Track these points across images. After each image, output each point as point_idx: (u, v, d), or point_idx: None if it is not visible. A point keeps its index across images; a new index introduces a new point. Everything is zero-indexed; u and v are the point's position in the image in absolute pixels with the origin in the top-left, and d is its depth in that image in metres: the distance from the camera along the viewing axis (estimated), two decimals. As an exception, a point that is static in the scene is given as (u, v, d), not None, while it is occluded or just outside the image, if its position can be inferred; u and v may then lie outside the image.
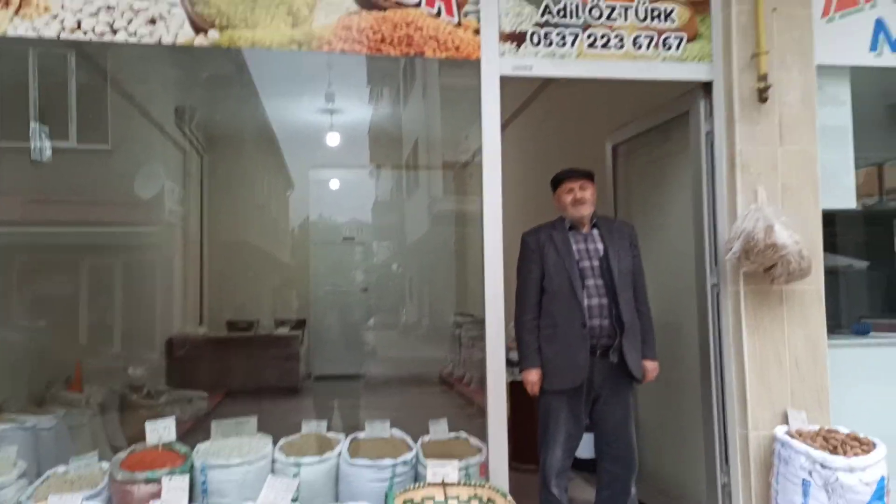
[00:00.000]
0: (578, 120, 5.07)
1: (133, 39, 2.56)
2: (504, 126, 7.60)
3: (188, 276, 8.54)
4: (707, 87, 3.18)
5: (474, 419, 6.32)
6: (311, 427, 3.11)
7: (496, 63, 2.96)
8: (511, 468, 4.61)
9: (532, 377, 2.92)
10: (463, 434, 3.21)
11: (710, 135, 3.19)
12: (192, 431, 5.58)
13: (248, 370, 7.66)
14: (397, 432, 3.12)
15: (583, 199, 2.94)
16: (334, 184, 10.44)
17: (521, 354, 2.98)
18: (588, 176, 3.01)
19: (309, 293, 9.84)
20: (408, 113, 11.91)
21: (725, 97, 3.11)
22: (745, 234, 2.86)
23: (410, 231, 12.06)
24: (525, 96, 6.41)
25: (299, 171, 10.58)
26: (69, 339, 6.50)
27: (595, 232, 2.99)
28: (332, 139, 8.22)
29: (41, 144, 3.96)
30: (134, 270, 7.65)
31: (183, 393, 6.12)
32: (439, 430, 3.16)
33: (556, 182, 3.05)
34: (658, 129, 3.62)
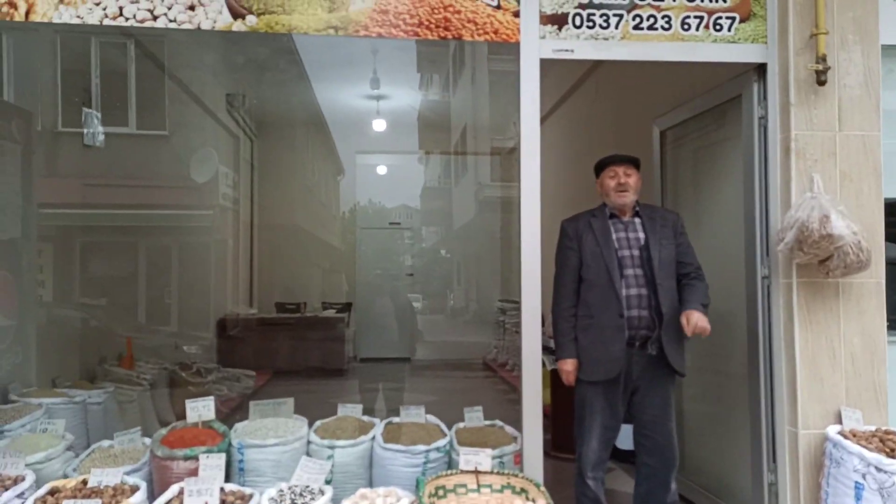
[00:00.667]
0: (626, 104, 4.92)
1: (173, 25, 2.59)
2: (551, 111, 7.50)
3: (239, 258, 8.75)
4: (761, 69, 3.02)
5: (515, 405, 6.29)
6: (347, 410, 3.13)
7: (536, 46, 2.88)
8: (551, 457, 4.60)
9: (567, 367, 2.87)
10: (499, 422, 3.18)
11: (763, 119, 3.04)
12: (240, 409, 5.73)
13: (294, 351, 7.82)
14: (432, 418, 3.11)
15: (626, 186, 2.85)
16: (381, 169, 10.49)
17: (556, 343, 2.93)
18: (633, 162, 2.92)
19: (356, 277, 9.97)
20: (457, 99, 11.86)
21: (780, 80, 2.95)
22: (798, 224, 2.71)
23: (457, 217, 12.04)
24: (573, 80, 6.27)
25: (349, 156, 10.66)
26: (125, 317, 6.76)
27: (637, 220, 2.90)
28: (379, 125, 8.22)
29: (94, 129, 4.07)
30: (187, 252, 7.89)
31: (232, 371, 6.29)
32: (474, 417, 3.14)
33: (601, 166, 2.97)
34: (708, 114, 3.47)
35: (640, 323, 2.77)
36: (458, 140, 11.32)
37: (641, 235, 2.86)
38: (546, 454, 4.64)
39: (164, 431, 2.84)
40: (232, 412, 5.46)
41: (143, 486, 2.50)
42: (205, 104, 7.72)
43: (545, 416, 4.96)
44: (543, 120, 7.62)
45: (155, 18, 2.59)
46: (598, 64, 5.62)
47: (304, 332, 7.97)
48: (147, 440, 2.92)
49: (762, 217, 3.04)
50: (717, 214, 3.45)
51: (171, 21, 2.60)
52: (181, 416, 4.69)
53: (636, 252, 2.82)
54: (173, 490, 2.45)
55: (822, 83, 2.83)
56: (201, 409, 2.88)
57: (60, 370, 4.24)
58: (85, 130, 4.33)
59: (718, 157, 3.42)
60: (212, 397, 2.92)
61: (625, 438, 3.38)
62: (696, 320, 2.66)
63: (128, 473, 2.59)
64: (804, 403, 2.83)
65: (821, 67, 2.81)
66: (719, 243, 3.38)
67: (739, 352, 3.20)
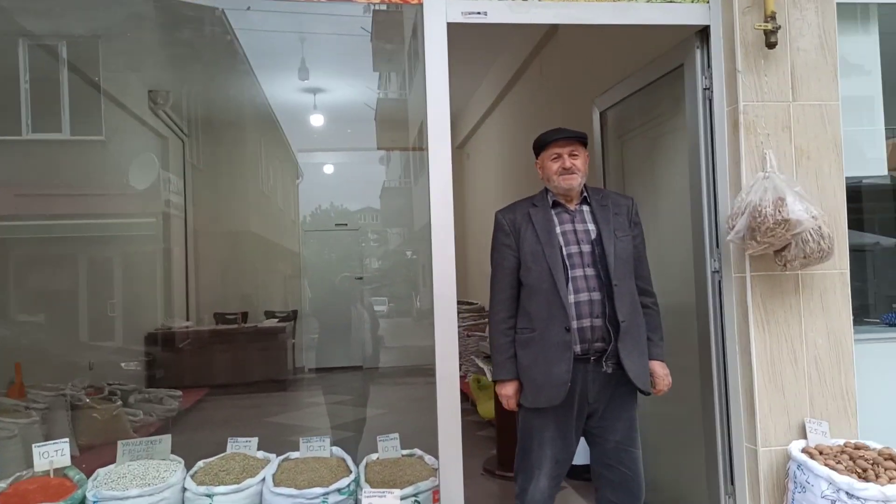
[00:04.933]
0: (569, 87, 4.53)
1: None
2: (494, 105, 7.05)
3: (172, 267, 8.18)
4: (703, 33, 2.64)
5: (466, 415, 5.89)
6: (238, 445, 2.66)
7: (442, 8, 2.44)
8: (496, 476, 4.18)
9: (506, 391, 2.39)
10: (418, 452, 2.74)
11: (707, 91, 2.65)
12: (162, 432, 5.19)
13: (233, 364, 7.33)
14: (338, 451, 2.66)
15: (572, 168, 2.35)
16: (328, 168, 10.02)
17: (493, 362, 2.45)
18: (580, 139, 2.42)
19: (305, 283, 9.53)
20: (414, 95, 11.42)
21: (725, 44, 2.57)
22: (750, 209, 2.33)
23: (418, 217, 11.60)
24: (516, 68, 5.87)
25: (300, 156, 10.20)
26: (63, 334, 6.31)
27: (585, 209, 2.41)
28: (316, 120, 7.75)
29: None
30: (124, 263, 7.43)
31: (154, 392, 5.74)
32: (389, 447, 2.69)
33: (541, 145, 2.45)
34: (648, 90, 3.08)
35: (594, 335, 2.29)
36: (415, 137, 10.88)
37: (592, 227, 2.36)
38: (491, 473, 4.24)
39: (3, 485, 2.33)
40: (150, 436, 4.94)
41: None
42: (124, 104, 7.19)
43: (492, 426, 4.56)
44: (487, 114, 7.20)
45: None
46: (542, 45, 5.24)
47: (244, 344, 7.48)
48: (-8, 492, 2.41)
49: (710, 202, 2.65)
50: (661, 201, 3.06)
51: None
52: (87, 448, 4.12)
53: (586, 248, 2.33)
54: (-5, 564, 1.96)
55: (771, 45, 2.45)
56: (53, 455, 2.38)
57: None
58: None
59: (661, 137, 3.04)
60: (66, 439, 2.42)
61: (578, 452, 2.97)
62: (662, 385, 2.42)
63: (-56, 543, 2.09)
64: (764, 417, 2.45)
65: (770, 27, 2.43)
66: (665, 235, 3.00)
67: (690, 357, 2.81)
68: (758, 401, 2.45)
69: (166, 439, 2.56)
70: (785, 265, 2.39)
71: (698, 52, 2.65)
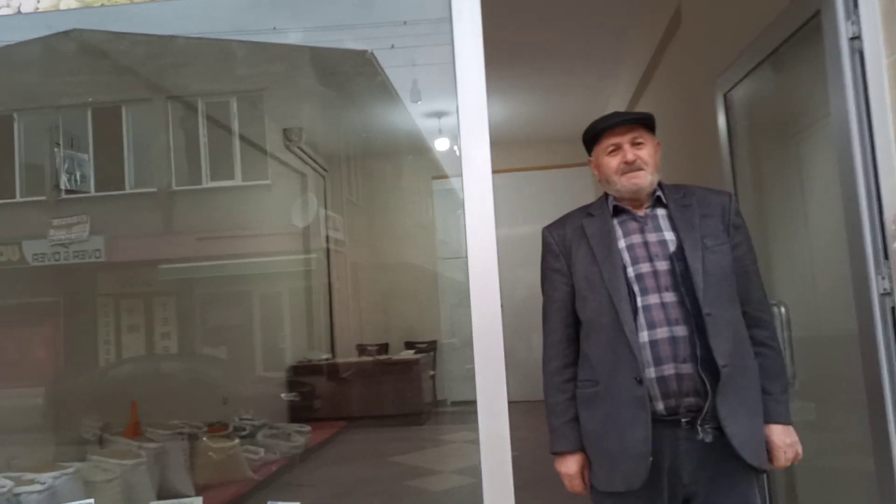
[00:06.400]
0: (694, 79, 3.80)
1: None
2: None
3: (314, 300, 8.40)
4: (846, -37, 1.91)
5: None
6: (278, 512, 2.32)
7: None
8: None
9: (566, 468, 1.79)
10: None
11: (856, 41, 1.89)
12: (285, 470, 5.11)
13: (370, 396, 7.34)
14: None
15: (637, 162, 1.75)
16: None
17: (549, 427, 1.84)
18: (643, 122, 1.81)
19: (443, 312, 9.38)
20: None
21: (879, -29, 1.82)
22: (929, 202, 1.57)
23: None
24: (640, 74, 5.21)
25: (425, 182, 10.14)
26: (234, 366, 6.75)
27: (660, 213, 1.79)
28: (442, 144, 7.54)
29: (75, 172, 3.68)
30: (279, 298, 7.87)
31: (283, 427, 5.75)
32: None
33: (592, 138, 1.86)
34: (779, 54, 2.34)
35: (681, 387, 1.64)
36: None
37: (670, 236, 1.75)
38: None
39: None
40: (274, 474, 4.86)
41: None
42: (259, 146, 7.64)
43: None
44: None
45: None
46: (664, 45, 4.54)
47: (380, 377, 7.41)
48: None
49: (871, 196, 1.87)
50: (808, 196, 2.29)
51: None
52: (202, 488, 4.10)
53: (662, 265, 1.71)
54: None
55: (950, -40, 1.67)
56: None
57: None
58: (64, 175, 3.99)
59: (799, 111, 2.28)
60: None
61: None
62: (783, 457, 1.70)
63: None
64: (976, 512, 1.63)
65: (945, -67, 1.66)
66: (812, 245, 2.22)
67: (853, 411, 2.00)
68: (964, 486, 1.63)
69: (196, 502, 2.30)
70: None
71: (839, -9, 1.91)
